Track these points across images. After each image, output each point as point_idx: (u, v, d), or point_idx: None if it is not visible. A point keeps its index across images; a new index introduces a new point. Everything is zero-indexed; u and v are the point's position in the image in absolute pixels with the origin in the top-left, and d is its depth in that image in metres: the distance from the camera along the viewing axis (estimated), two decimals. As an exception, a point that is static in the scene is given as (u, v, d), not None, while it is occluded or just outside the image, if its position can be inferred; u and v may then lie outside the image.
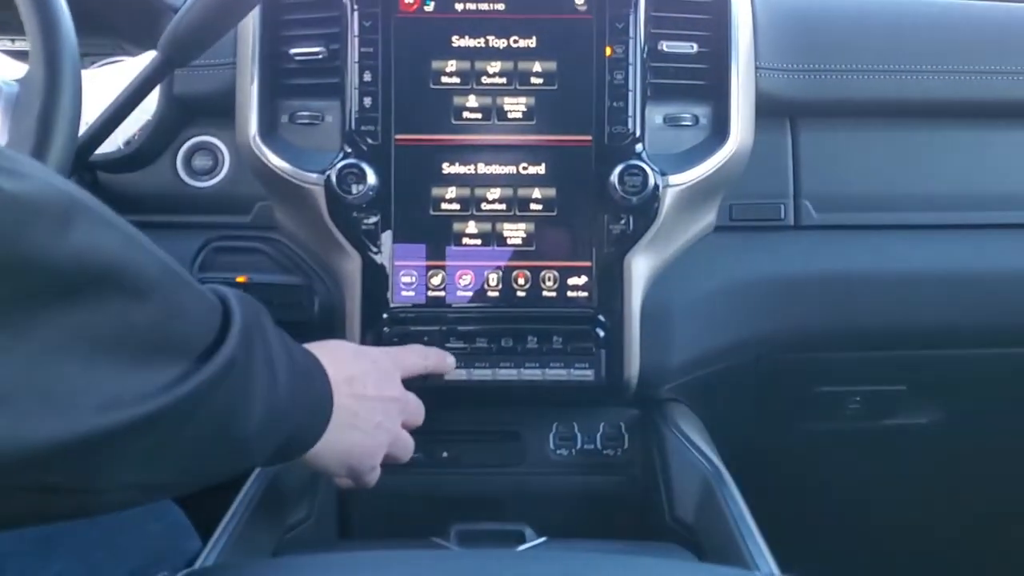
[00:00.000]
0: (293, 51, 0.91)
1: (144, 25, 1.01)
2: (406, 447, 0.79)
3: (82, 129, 0.81)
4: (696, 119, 0.91)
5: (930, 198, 0.98)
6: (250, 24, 0.90)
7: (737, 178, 0.92)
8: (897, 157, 0.99)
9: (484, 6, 0.89)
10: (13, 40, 1.09)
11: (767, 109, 0.94)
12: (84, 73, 0.75)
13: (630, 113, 0.88)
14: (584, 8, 0.89)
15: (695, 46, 0.91)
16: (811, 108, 0.97)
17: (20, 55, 1.09)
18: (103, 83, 0.97)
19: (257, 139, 0.90)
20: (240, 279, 0.93)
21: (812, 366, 1.03)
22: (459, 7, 0.89)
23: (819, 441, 1.12)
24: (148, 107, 0.94)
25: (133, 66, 0.98)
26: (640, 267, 0.89)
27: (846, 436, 1.12)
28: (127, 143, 0.97)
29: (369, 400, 0.71)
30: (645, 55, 0.89)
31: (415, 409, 0.79)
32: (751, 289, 0.95)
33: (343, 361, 0.69)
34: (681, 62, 0.91)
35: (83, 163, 0.93)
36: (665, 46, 0.90)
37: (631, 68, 0.88)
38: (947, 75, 0.96)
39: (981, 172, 0.99)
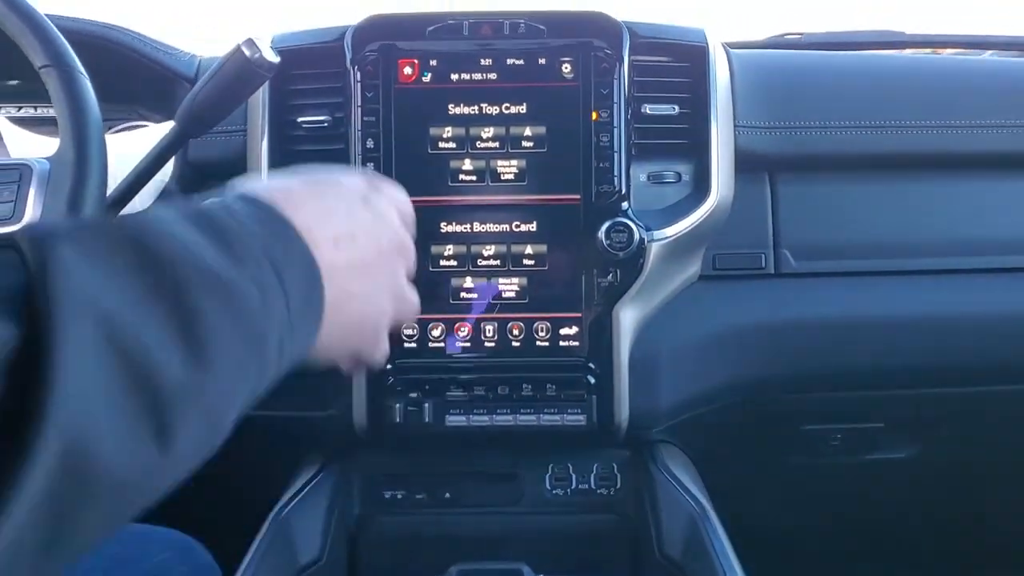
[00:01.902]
0: (301, 119, 1.00)
1: (160, 94, 1.10)
2: (412, 305, 0.64)
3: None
4: (679, 176, 0.99)
5: (905, 245, 1.06)
6: (260, 95, 0.99)
7: (719, 230, 1.00)
8: (872, 207, 1.06)
9: (477, 76, 0.97)
10: (36, 108, 1.18)
11: (746, 164, 1.02)
12: (107, 138, 0.84)
13: (616, 172, 0.96)
14: (571, 76, 0.97)
15: (676, 108, 0.99)
16: (788, 163, 1.05)
17: (36, 121, 1.19)
18: (123, 148, 1.06)
19: (267, 201, 0.98)
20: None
21: (794, 406, 1.10)
22: (454, 77, 0.98)
23: (802, 475, 1.19)
24: (165, 172, 1.03)
25: (151, 133, 1.07)
26: (628, 317, 0.97)
27: (827, 470, 1.19)
28: (146, 208, 1.05)
29: (367, 261, 0.56)
30: (629, 118, 0.97)
31: (411, 250, 0.63)
32: (735, 335, 1.03)
33: (326, 212, 0.53)
34: (663, 123, 0.99)
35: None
36: (648, 109, 0.98)
37: (616, 130, 0.96)
38: (917, 130, 1.04)
39: (954, 219, 1.06)
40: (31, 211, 0.79)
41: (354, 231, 0.55)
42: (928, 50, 1.33)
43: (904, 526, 1.29)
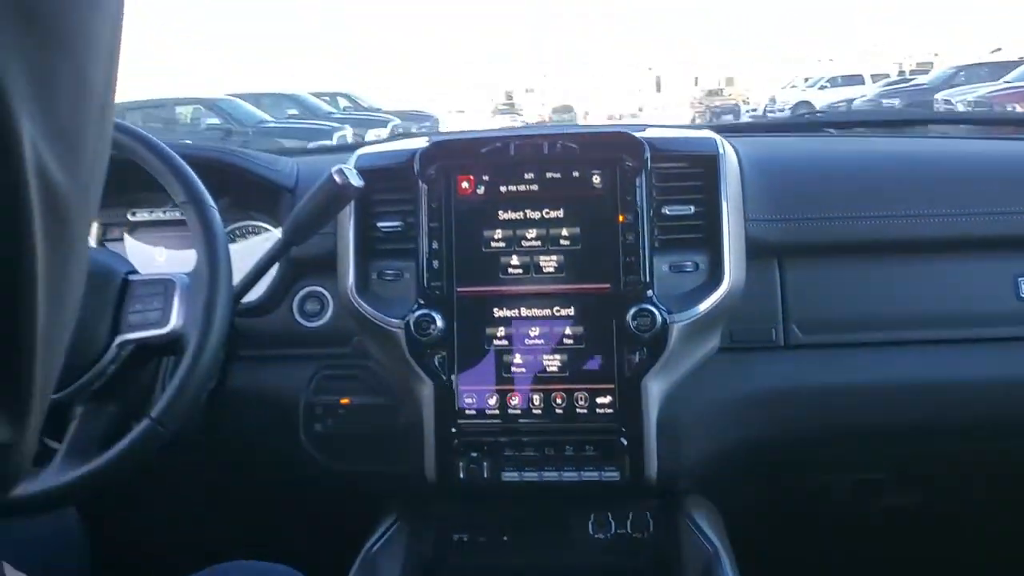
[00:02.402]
0: (380, 224, 1.23)
1: (267, 201, 1.35)
2: None
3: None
4: (696, 265, 1.18)
5: (904, 319, 1.22)
6: (348, 206, 1.22)
7: (734, 310, 1.18)
8: (874, 285, 1.23)
9: (522, 187, 1.19)
10: (164, 211, 1.45)
11: (756, 252, 1.20)
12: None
13: (640, 265, 1.16)
14: (600, 185, 1.18)
15: (692, 208, 1.18)
16: (795, 249, 1.22)
17: (162, 223, 1.45)
18: (242, 252, 1.31)
19: (353, 291, 1.21)
20: (344, 401, 1.24)
21: (805, 460, 1.27)
22: (503, 189, 1.19)
23: (813, 520, 1.35)
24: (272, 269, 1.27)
25: (263, 240, 1.32)
26: (655, 387, 1.16)
27: (836, 517, 1.35)
28: (256, 299, 1.30)
29: None
30: (651, 218, 1.17)
31: None
32: (750, 400, 1.20)
33: None
34: (681, 221, 1.18)
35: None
36: (667, 210, 1.18)
37: (640, 230, 1.16)
38: (910, 218, 1.20)
39: (944, 295, 1.22)
40: (175, 317, 1.03)
41: None
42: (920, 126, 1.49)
43: (910, 567, 1.43)
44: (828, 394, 1.20)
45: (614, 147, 1.18)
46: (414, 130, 15.96)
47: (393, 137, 1.37)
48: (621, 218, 1.17)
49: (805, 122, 1.45)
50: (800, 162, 1.29)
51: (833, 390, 1.20)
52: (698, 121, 17.49)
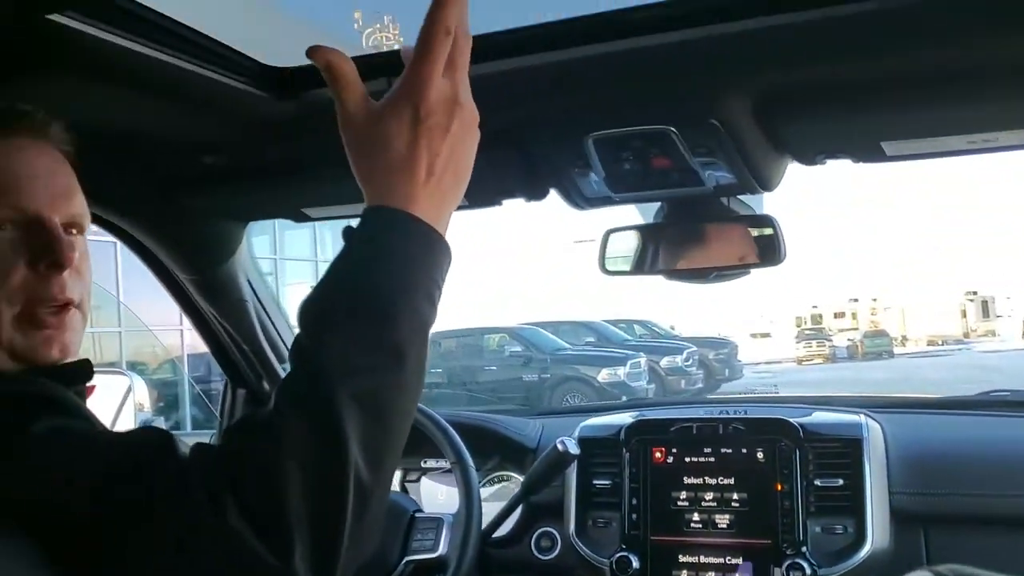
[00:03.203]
0: (595, 482, 1.65)
1: (513, 456, 1.83)
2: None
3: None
4: (845, 528, 1.47)
5: None
6: (572, 466, 1.66)
7: (882, 569, 1.44)
8: (1020, 556, 1.42)
9: (702, 459, 1.57)
10: (437, 462, 1.97)
11: (902, 520, 1.46)
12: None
13: (796, 526, 1.47)
14: (763, 460, 1.53)
15: (841, 480, 1.49)
16: (940, 519, 1.47)
17: (438, 470, 1.97)
18: (495, 494, 1.79)
19: (574, 535, 1.63)
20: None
21: None
22: (687, 460, 1.58)
23: None
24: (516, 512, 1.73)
25: (511, 487, 1.80)
26: (808, 630, 1.43)
27: None
28: (504, 534, 1.76)
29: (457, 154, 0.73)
30: (805, 487, 1.49)
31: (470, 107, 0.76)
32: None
33: (408, 164, 0.71)
34: (831, 491, 1.49)
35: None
36: (819, 481, 1.50)
37: (795, 497, 1.48)
38: None
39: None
40: (443, 545, 1.51)
41: (447, 156, 0.72)
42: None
43: None
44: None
45: (773, 430, 1.54)
46: (710, 356, 16.34)
47: (612, 409, 1.82)
48: (779, 487, 1.50)
49: (962, 402, 1.70)
50: (947, 443, 1.55)
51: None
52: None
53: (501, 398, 12.19)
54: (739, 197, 1.41)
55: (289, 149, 1.31)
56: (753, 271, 1.43)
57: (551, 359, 13.57)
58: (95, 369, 0.89)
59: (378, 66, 1.01)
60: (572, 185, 1.33)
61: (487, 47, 1.06)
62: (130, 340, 13.26)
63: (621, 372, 12.74)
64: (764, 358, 26.15)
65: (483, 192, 1.35)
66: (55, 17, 0.87)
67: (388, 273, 0.69)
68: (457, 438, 1.59)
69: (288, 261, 17.10)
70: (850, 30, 0.97)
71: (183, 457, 0.66)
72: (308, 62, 1.05)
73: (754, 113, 1.14)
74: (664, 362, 14.31)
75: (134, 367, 12.54)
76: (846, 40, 1.00)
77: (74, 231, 0.88)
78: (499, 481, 1.88)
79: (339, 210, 1.52)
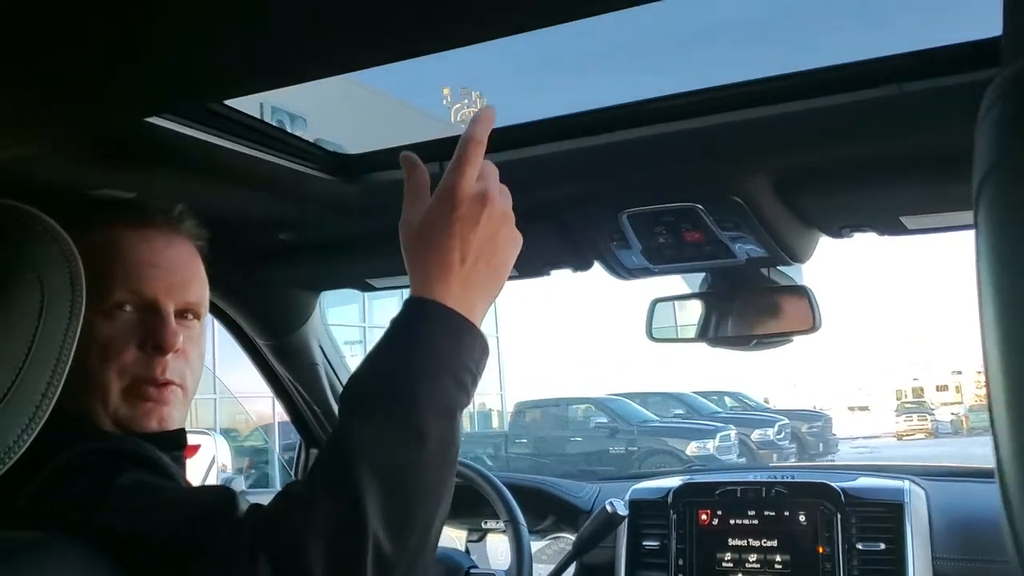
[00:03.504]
0: (644, 543, 1.72)
1: (568, 518, 1.91)
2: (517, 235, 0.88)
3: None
4: (888, 595, 1.50)
5: None
6: (622, 527, 1.73)
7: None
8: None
9: (746, 521, 1.63)
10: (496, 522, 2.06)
11: (946, 588, 1.48)
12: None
13: (837, 590, 1.51)
14: (804, 523, 1.58)
15: (882, 544, 1.52)
16: (985, 587, 1.48)
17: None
18: (548, 552, 1.88)
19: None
20: None
21: None
22: (731, 522, 1.64)
23: None
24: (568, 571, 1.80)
25: (564, 545, 1.88)
26: None
27: None
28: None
29: (495, 246, 0.83)
30: (846, 550, 1.53)
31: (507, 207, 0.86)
32: None
33: (445, 267, 0.81)
34: (873, 555, 1.52)
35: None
36: (860, 545, 1.53)
37: (836, 560, 1.53)
38: None
39: None
40: (493, 598, 1.60)
41: (478, 245, 0.82)
42: None
43: None
44: None
45: (815, 494, 1.59)
46: (804, 430, 15.90)
47: (667, 474, 1.90)
48: (821, 550, 1.55)
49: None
50: (993, 511, 1.56)
51: None
52: None
53: (584, 471, 12.13)
54: (779, 268, 1.50)
55: (355, 225, 1.46)
56: (803, 338, 1.49)
57: (638, 431, 13.44)
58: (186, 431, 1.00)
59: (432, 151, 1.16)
60: (613, 257, 1.44)
61: (532, 133, 1.20)
62: (224, 407, 13.73)
63: (711, 445, 12.53)
64: (862, 432, 25.30)
65: (531, 262, 1.47)
66: (154, 119, 1.03)
67: (415, 358, 0.77)
68: (510, 497, 1.68)
69: (375, 329, 17.52)
70: (864, 114, 1.06)
71: (240, 513, 0.76)
72: (370, 149, 1.21)
73: (775, 190, 1.23)
74: (755, 435, 14.01)
75: (227, 433, 12.98)
76: (860, 123, 1.09)
77: (189, 316, 0.99)
78: (554, 541, 1.96)
79: (401, 280, 1.65)
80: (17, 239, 0.74)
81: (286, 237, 1.51)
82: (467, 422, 19.26)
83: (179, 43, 0.65)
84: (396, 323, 0.81)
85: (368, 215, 1.34)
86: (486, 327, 0.86)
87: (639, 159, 1.22)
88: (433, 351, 0.78)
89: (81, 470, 0.82)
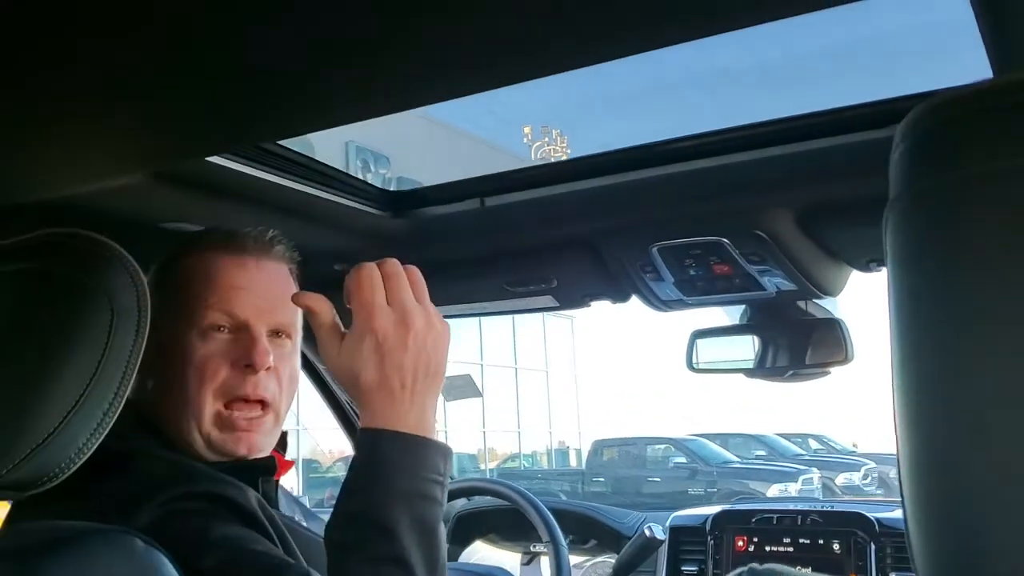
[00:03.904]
0: (683, 567, 1.77)
1: (612, 542, 1.97)
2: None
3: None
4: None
5: None
6: (662, 552, 1.79)
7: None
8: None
9: (781, 548, 1.67)
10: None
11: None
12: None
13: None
14: (838, 552, 1.61)
15: (917, 575, 1.54)
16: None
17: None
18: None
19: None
20: None
21: None
22: (767, 548, 1.68)
23: None
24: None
25: (605, 569, 1.94)
26: None
27: None
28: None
29: (406, 369, 0.84)
30: (879, 580, 1.56)
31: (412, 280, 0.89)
32: None
33: (385, 402, 0.83)
34: (905, 588, 1.55)
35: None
36: (894, 575, 1.56)
37: (870, 591, 1.56)
38: None
39: None
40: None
41: (412, 365, 0.85)
42: None
43: None
44: None
45: (849, 523, 1.62)
46: (891, 475, 15.34)
47: (696, 502, 1.94)
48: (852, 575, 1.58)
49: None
50: None
51: None
52: None
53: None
54: (815, 301, 1.55)
55: (404, 257, 1.57)
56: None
57: (718, 472, 13.18)
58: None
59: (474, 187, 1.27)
60: (648, 289, 1.51)
61: (565, 171, 1.29)
62: (307, 439, 14.02)
63: (792, 488, 12.22)
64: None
65: (571, 294, 1.56)
66: (215, 159, 1.15)
67: (386, 497, 0.81)
68: (552, 520, 1.76)
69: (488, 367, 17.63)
70: (884, 151, 1.12)
71: None
72: (416, 186, 1.31)
73: (798, 224, 1.29)
74: (840, 479, 13.61)
75: (308, 464, 13.23)
76: (880, 160, 1.15)
77: (282, 335, 1.05)
78: (597, 564, 2.02)
79: (452, 309, 1.76)
80: (91, 265, 0.84)
81: (340, 267, 1.63)
82: (545, 460, 19.17)
83: (231, 87, 0.75)
84: (355, 463, 0.85)
85: (416, 246, 1.44)
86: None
87: (666, 194, 1.30)
88: (398, 478, 0.81)
89: (186, 514, 0.89)
